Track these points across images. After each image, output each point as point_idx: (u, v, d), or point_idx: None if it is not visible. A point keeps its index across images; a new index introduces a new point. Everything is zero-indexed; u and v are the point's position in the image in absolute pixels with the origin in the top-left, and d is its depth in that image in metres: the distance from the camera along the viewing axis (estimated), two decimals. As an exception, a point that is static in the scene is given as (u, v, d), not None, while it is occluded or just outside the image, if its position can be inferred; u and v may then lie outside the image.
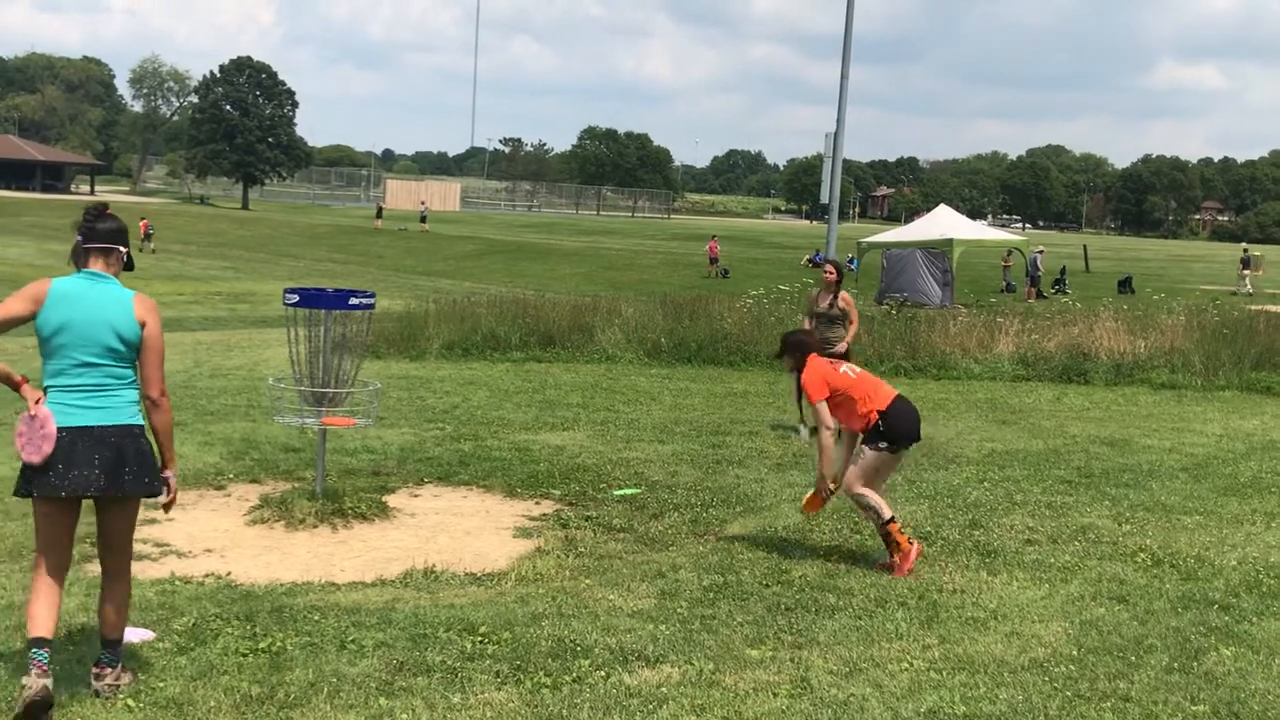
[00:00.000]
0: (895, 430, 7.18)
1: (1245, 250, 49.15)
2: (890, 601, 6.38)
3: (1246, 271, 44.71)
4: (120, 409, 4.81)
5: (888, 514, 7.09)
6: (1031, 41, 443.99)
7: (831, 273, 12.15)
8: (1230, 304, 25.88)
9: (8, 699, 4.66)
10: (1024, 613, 6.28)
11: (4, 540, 7.15)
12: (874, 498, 7.14)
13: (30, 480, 4.70)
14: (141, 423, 4.89)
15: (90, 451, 4.70)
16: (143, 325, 4.86)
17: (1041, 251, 45.81)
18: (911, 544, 7.07)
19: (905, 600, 6.41)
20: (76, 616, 5.80)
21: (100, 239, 4.92)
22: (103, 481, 4.72)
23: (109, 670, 4.87)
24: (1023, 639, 5.86)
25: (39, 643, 4.63)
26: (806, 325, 11.78)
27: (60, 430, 4.67)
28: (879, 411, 7.17)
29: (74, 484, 4.69)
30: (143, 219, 48.15)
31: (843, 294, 12.06)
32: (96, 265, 4.91)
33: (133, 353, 4.85)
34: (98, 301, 4.80)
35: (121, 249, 4.98)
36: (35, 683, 4.47)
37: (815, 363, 7.40)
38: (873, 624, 6.00)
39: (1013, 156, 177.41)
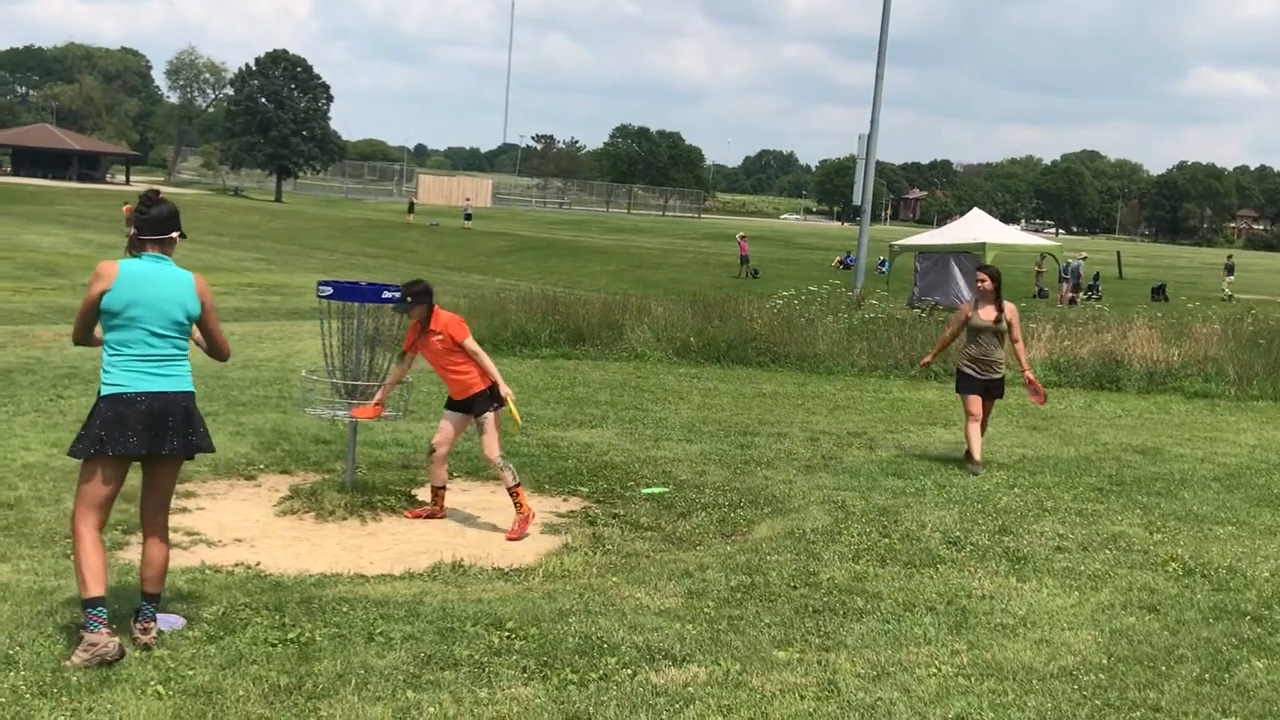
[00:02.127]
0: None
1: (1230, 257, 52.72)
2: (919, 606, 6.35)
3: (1230, 278, 47.27)
4: (184, 377, 5.39)
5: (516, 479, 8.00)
6: (1066, 45, 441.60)
7: (986, 280, 10.50)
8: (1243, 309, 25.60)
9: (44, 669, 4.70)
10: (1053, 620, 6.24)
11: (36, 526, 7.20)
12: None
13: (103, 440, 5.09)
14: (194, 390, 5.47)
15: (163, 414, 5.22)
16: (202, 301, 5.44)
17: (1085, 258, 45.64)
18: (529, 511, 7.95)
19: (934, 605, 6.38)
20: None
21: (153, 230, 5.39)
22: (175, 442, 5.26)
23: (152, 623, 5.26)
24: (1052, 646, 5.82)
25: (100, 601, 4.97)
26: (948, 339, 10.85)
27: (137, 394, 5.18)
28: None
29: (152, 443, 5.20)
30: (125, 204, 48.67)
31: (1009, 305, 10.58)
32: (154, 249, 5.40)
33: (189, 326, 5.43)
34: (166, 281, 5.33)
35: (173, 235, 5.44)
36: (111, 641, 4.90)
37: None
38: (901, 628, 5.97)
39: (1046, 161, 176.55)
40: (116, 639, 4.94)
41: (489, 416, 8.02)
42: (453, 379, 8.07)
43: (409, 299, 7.89)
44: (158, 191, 5.57)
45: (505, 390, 8.04)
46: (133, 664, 4.98)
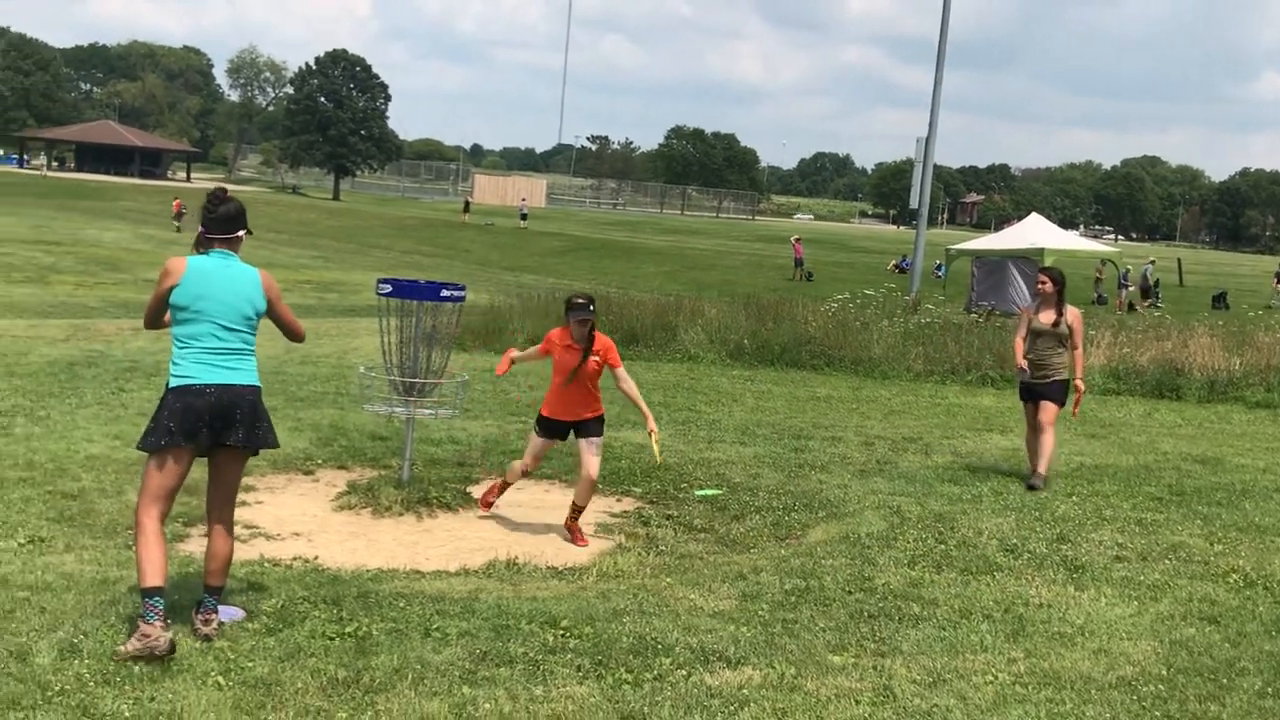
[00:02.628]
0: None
1: None
2: (975, 613, 6.30)
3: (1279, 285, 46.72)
4: (251, 371, 5.46)
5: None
6: (1128, 49, 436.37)
7: (1047, 282, 10.16)
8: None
9: (107, 658, 4.78)
10: (1112, 630, 6.17)
11: (99, 517, 7.32)
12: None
13: (171, 431, 5.16)
14: (261, 385, 5.53)
15: (230, 406, 5.30)
16: (269, 296, 5.53)
17: (1153, 262, 45.08)
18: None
19: (990, 613, 6.33)
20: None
21: (220, 228, 5.49)
22: (240, 434, 5.33)
23: (213, 615, 5.33)
24: (1110, 656, 5.76)
25: (157, 592, 5.03)
26: (1020, 345, 10.12)
27: (206, 386, 5.26)
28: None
29: (219, 435, 5.28)
30: (176, 199, 49.51)
31: (1070, 309, 10.18)
32: (221, 247, 5.50)
33: (256, 321, 5.50)
34: (233, 277, 5.43)
35: (240, 233, 5.53)
36: (163, 636, 4.91)
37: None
38: (957, 635, 5.93)
39: (1106, 166, 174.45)
40: (169, 634, 4.96)
41: (599, 440, 7.85)
42: (581, 398, 7.80)
43: (592, 308, 7.68)
44: (225, 189, 5.64)
45: (653, 426, 7.88)
46: (193, 654, 5.06)
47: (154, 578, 5.07)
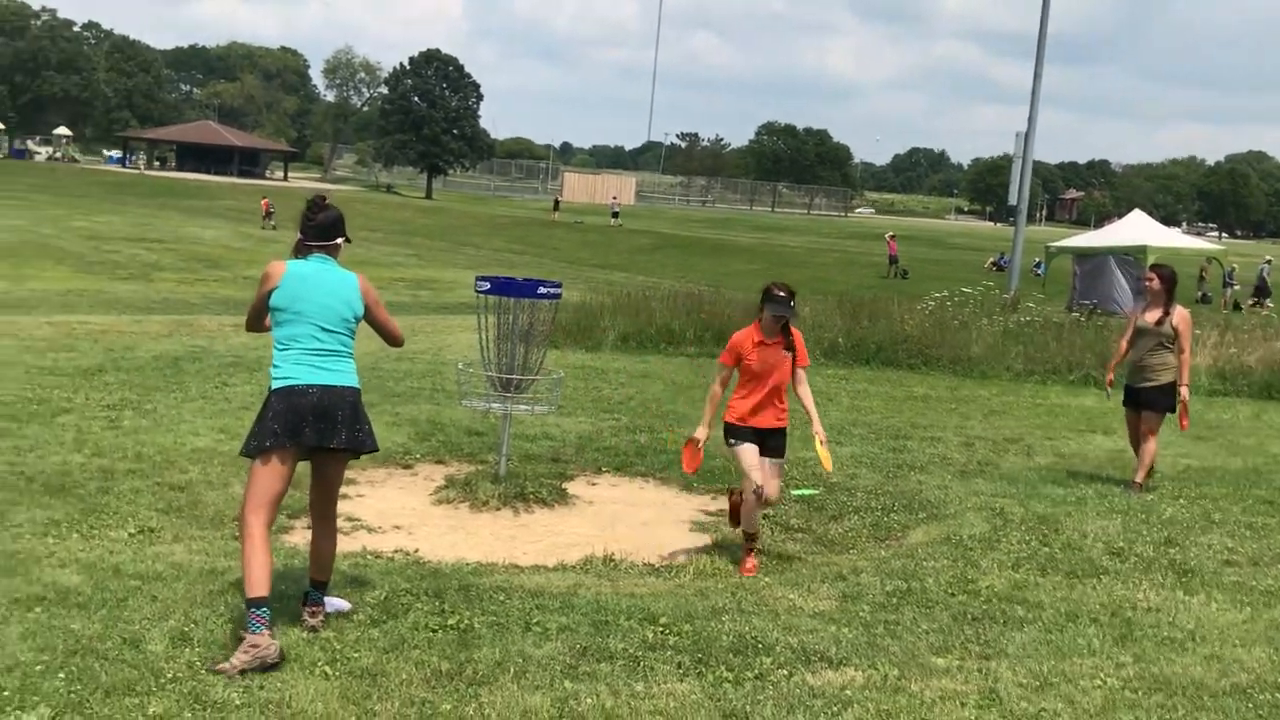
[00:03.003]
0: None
1: None
2: (1082, 617, 6.16)
3: None
4: (350, 373, 5.45)
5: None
6: (1232, 41, 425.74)
7: (1154, 279, 9.73)
8: None
9: (217, 646, 4.87)
10: (1224, 635, 6.00)
11: (205, 508, 7.47)
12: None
13: (276, 433, 5.17)
14: (360, 387, 5.52)
15: (332, 407, 5.30)
16: (366, 301, 5.52)
17: (1269, 261, 43.77)
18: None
19: (1097, 616, 6.19)
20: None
21: (318, 235, 5.52)
22: (343, 434, 5.32)
23: (319, 608, 5.39)
24: (1223, 662, 5.60)
25: (263, 602, 4.98)
26: (1123, 346, 9.90)
27: (309, 386, 5.27)
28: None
29: (321, 436, 5.27)
30: (264, 198, 50.50)
31: (1179, 310, 9.68)
32: (320, 253, 5.52)
33: (354, 325, 5.50)
34: (332, 281, 5.44)
35: (338, 240, 5.55)
36: (273, 645, 4.88)
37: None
38: (1063, 639, 5.81)
39: (1210, 162, 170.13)
40: (277, 642, 4.92)
41: (782, 462, 7.33)
42: (774, 403, 7.19)
43: (793, 303, 7.08)
44: (324, 197, 5.66)
45: (822, 433, 7.27)
46: (301, 645, 5.13)
47: (260, 588, 5.01)
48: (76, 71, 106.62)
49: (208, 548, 6.63)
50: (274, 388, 5.30)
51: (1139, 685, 5.23)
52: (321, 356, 5.35)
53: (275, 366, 5.34)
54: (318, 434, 5.27)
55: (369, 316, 5.58)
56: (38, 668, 4.69)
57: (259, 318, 5.53)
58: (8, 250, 28.81)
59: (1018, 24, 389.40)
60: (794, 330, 7.21)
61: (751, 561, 7.11)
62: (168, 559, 6.33)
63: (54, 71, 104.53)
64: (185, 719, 4.37)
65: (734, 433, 7.20)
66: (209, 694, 4.57)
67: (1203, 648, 5.81)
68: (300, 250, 5.53)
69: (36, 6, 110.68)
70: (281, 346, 5.36)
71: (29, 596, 5.56)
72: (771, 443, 7.19)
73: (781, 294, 7.02)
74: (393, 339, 5.81)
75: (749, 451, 7.09)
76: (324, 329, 5.36)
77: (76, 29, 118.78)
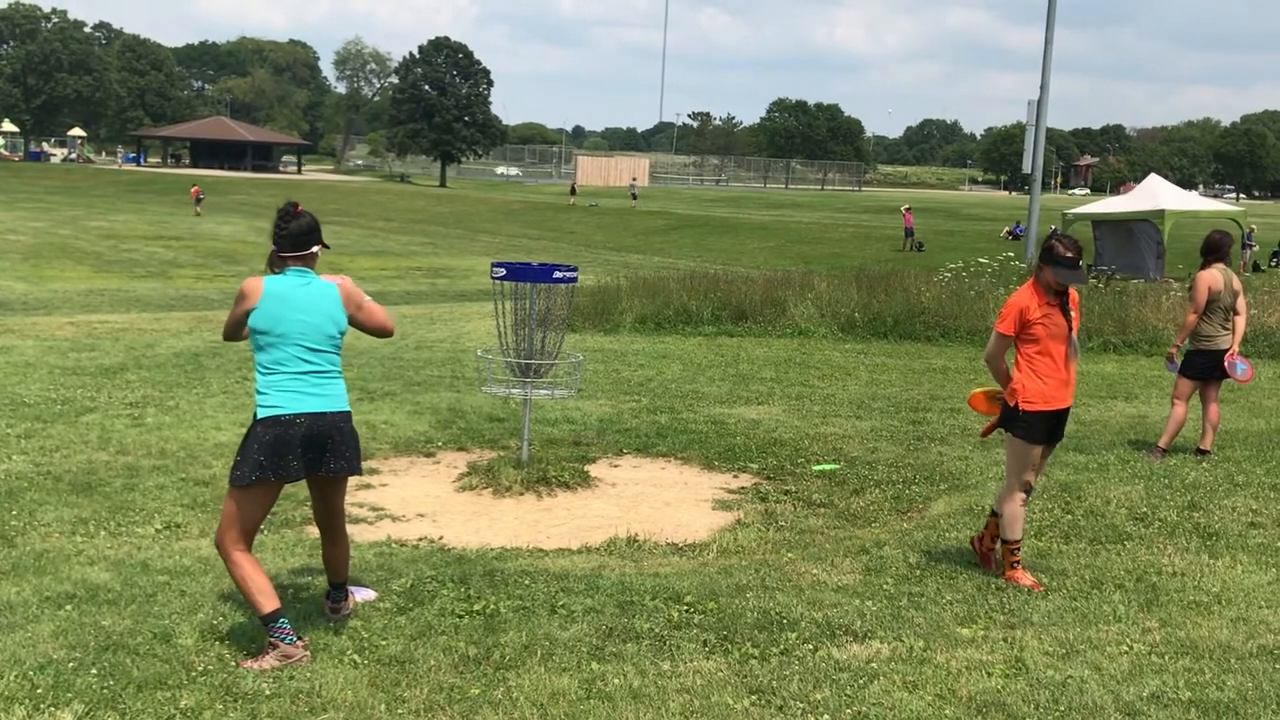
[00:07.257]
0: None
1: None
2: (1106, 583, 6.17)
3: None
4: (340, 396, 5.18)
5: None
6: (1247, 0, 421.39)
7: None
8: None
9: (246, 639, 4.92)
10: (1250, 598, 6.00)
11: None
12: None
13: (263, 466, 4.93)
14: (350, 409, 5.24)
15: (323, 436, 5.04)
16: (349, 309, 5.19)
17: None
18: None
19: (1122, 582, 6.19)
20: (300, 578, 6.07)
21: (293, 245, 5.13)
22: (332, 464, 5.09)
23: (342, 602, 5.43)
24: (1250, 625, 5.60)
25: (279, 614, 4.92)
26: (1191, 320, 9.51)
27: (296, 416, 5.00)
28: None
29: (310, 465, 5.05)
30: (194, 186, 51.20)
31: (1199, 274, 9.51)
32: (296, 264, 5.16)
33: (341, 340, 5.19)
34: (313, 297, 5.09)
35: (314, 249, 5.20)
36: (305, 655, 4.88)
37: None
38: (1089, 605, 5.81)
39: (1226, 123, 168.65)
40: (309, 651, 4.90)
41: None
42: (1071, 375, 6.25)
43: (1081, 262, 6.11)
44: (296, 204, 5.24)
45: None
46: (329, 634, 5.17)
47: (270, 603, 4.91)
48: (89, 72, 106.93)
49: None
50: (259, 417, 5.01)
51: (1165, 650, 5.24)
52: (309, 380, 5.05)
53: (261, 393, 5.03)
54: (306, 464, 5.02)
55: (354, 323, 5.24)
56: (70, 664, 4.74)
57: (236, 332, 5.19)
58: (28, 252, 29.00)
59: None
60: (1071, 291, 6.21)
61: (1026, 575, 6.19)
62: (195, 553, 6.38)
63: (66, 73, 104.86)
64: (217, 710, 4.41)
65: (1029, 424, 6.12)
66: (239, 685, 4.61)
67: (1229, 610, 5.81)
68: (275, 263, 5.16)
69: (47, 9, 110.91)
70: (266, 371, 5.04)
71: (59, 594, 5.63)
72: (1060, 427, 6.32)
73: (1069, 255, 6.01)
74: (382, 334, 5.43)
75: (1036, 452, 6.23)
76: (310, 349, 5.05)
77: (87, 30, 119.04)
